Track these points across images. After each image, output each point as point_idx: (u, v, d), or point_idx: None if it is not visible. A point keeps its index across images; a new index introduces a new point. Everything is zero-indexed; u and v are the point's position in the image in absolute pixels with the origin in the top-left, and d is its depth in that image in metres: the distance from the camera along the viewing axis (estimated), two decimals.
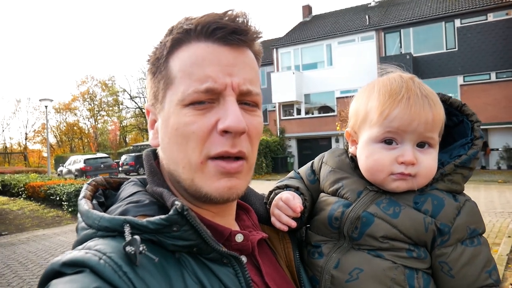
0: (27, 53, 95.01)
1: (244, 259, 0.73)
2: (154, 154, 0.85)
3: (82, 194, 0.77)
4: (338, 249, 0.91)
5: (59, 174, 29.07)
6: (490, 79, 22.68)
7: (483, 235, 0.91)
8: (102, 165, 25.52)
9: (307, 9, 33.18)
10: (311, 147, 27.71)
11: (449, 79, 23.57)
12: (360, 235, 0.88)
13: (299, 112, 28.80)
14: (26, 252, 8.82)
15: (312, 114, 28.48)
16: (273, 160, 26.26)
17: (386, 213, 0.87)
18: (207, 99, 0.71)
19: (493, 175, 19.79)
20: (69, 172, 26.68)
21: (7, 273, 7.37)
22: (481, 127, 0.96)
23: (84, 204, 0.72)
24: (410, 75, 0.95)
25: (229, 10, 0.73)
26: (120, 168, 29.80)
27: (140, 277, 0.60)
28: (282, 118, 29.24)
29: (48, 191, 14.58)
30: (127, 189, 0.80)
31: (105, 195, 0.83)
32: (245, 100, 0.74)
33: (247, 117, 0.74)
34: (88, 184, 0.82)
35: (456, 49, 23.39)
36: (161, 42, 0.77)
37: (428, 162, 0.89)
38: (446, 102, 0.98)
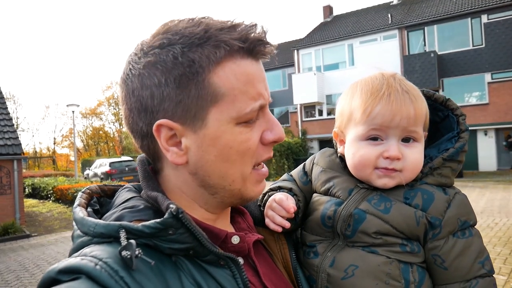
0: (55, 60, 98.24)
1: (241, 260, 0.73)
2: (148, 159, 0.83)
3: (76, 203, 0.76)
4: (333, 248, 0.92)
5: (85, 177, 29.87)
6: None
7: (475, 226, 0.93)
8: (126, 168, 26.00)
9: (328, 9, 32.90)
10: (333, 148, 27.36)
11: (476, 77, 22.84)
12: (353, 232, 0.90)
13: (320, 113, 28.55)
14: (54, 253, 9.09)
15: (334, 115, 28.11)
16: (295, 161, 26.12)
17: (378, 209, 0.89)
18: (257, 115, 0.74)
19: None
20: (95, 175, 27.34)
21: (37, 273, 7.61)
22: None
23: (79, 212, 0.72)
24: (392, 72, 0.97)
25: (254, 24, 0.71)
26: None
27: (137, 281, 0.60)
28: (304, 119, 29.06)
29: (75, 194, 14.98)
30: (121, 196, 0.80)
31: (100, 203, 0.83)
32: None
33: None
34: (83, 192, 0.81)
35: (483, 45, 22.64)
36: (184, 49, 0.68)
37: (413, 156, 0.91)
38: (431, 98, 1.00)
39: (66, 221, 13.18)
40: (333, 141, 1.08)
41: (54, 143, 57.46)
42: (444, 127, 1.01)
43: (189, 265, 0.67)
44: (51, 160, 52.07)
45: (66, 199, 16.05)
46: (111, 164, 26.26)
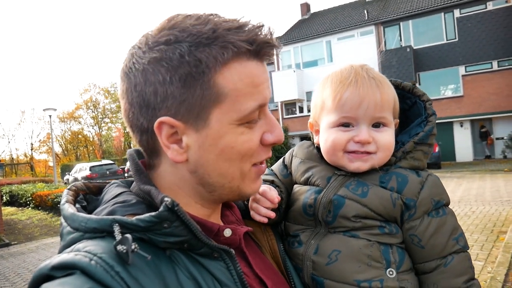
0: (29, 64, 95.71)
1: (233, 252, 0.74)
2: (138, 153, 0.83)
3: (64, 200, 0.76)
4: (316, 236, 0.95)
5: (65, 183, 29.25)
6: (492, 68, 22.53)
7: (449, 205, 0.97)
8: (107, 172, 25.64)
9: (305, 6, 33.14)
10: None
11: (451, 70, 23.46)
12: (333, 218, 0.93)
13: (301, 110, 28.78)
14: (36, 260, 8.90)
15: None
16: (277, 159, 26.09)
17: (355, 194, 0.93)
18: (258, 116, 0.75)
19: (499, 164, 19.69)
20: (76, 180, 26.80)
21: (18, 281, 7.44)
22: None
23: (68, 208, 0.71)
24: (361, 63, 1.02)
25: (262, 25, 0.71)
26: (125, 174, 29.93)
27: (133, 277, 0.59)
28: (285, 117, 29.24)
29: (55, 200, 14.68)
30: (111, 191, 0.79)
31: (86, 200, 0.82)
32: None
33: None
34: (68, 189, 0.80)
35: (457, 39, 23.26)
36: (191, 47, 0.67)
37: (385, 138, 0.96)
38: (399, 86, 1.06)
39: (46, 228, 12.90)
40: (310, 133, 1.11)
41: (32, 149, 56.04)
42: (413, 114, 1.06)
43: (183, 258, 0.67)
44: (29, 166, 50.77)
45: (46, 205, 15.68)
46: (91, 168, 25.85)
